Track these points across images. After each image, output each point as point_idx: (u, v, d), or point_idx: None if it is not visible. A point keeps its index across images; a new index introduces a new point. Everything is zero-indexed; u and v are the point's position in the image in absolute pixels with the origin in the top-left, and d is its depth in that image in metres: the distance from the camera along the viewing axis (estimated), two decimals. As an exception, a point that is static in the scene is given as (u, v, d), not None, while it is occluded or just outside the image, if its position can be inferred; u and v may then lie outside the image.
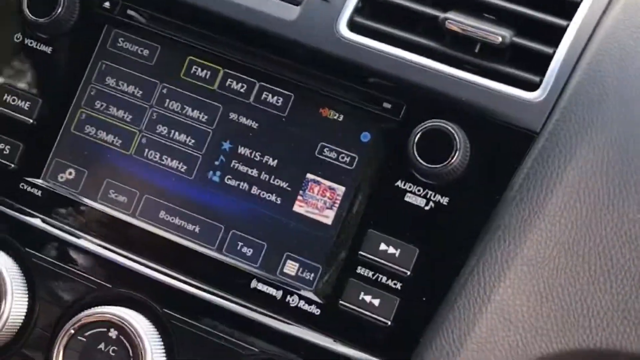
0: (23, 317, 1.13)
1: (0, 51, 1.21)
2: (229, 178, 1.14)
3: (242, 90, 1.16)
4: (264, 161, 1.14)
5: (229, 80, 1.16)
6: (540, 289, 1.06)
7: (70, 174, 1.18)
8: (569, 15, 1.14)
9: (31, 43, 1.21)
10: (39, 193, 1.17)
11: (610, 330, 1.05)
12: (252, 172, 1.13)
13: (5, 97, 1.20)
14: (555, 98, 1.11)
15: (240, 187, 1.13)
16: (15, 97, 1.20)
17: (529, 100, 1.11)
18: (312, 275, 1.09)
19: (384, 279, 1.08)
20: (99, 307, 1.09)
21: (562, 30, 1.14)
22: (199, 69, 1.17)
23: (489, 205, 1.08)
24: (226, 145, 1.15)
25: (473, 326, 1.05)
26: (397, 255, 1.08)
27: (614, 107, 1.10)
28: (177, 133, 1.16)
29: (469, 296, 1.05)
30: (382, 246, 1.08)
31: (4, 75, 1.20)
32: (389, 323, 1.07)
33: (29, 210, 1.17)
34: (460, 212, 1.09)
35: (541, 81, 1.12)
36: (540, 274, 1.06)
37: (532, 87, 1.12)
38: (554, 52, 1.13)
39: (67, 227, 1.15)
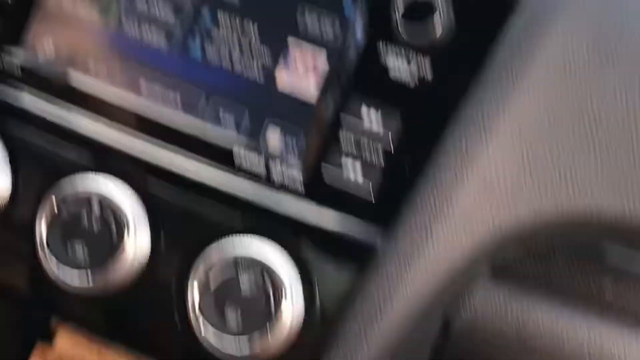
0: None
1: None
2: (209, 46, 1.12)
3: None
4: (244, 27, 1.12)
5: None
6: (524, 157, 1.06)
7: (48, 43, 1.15)
8: None
9: None
10: (18, 63, 1.15)
11: (595, 195, 1.06)
12: (232, 38, 1.11)
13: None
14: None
15: (221, 54, 1.12)
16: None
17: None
18: (295, 140, 1.09)
19: (366, 142, 1.08)
20: (80, 178, 1.09)
21: None
22: None
23: (472, 75, 1.07)
24: (205, 12, 1.13)
25: (455, 191, 1.05)
26: (379, 121, 1.08)
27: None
28: (155, 1, 1.13)
29: (451, 164, 1.06)
30: (364, 110, 1.08)
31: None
32: (371, 191, 1.07)
33: (6, 81, 1.15)
34: (443, 80, 1.08)
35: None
36: (523, 143, 1.06)
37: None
38: None
39: (44, 95, 1.14)
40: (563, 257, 1.16)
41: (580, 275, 1.16)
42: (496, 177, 1.06)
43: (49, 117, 1.14)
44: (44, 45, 1.17)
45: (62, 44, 1.16)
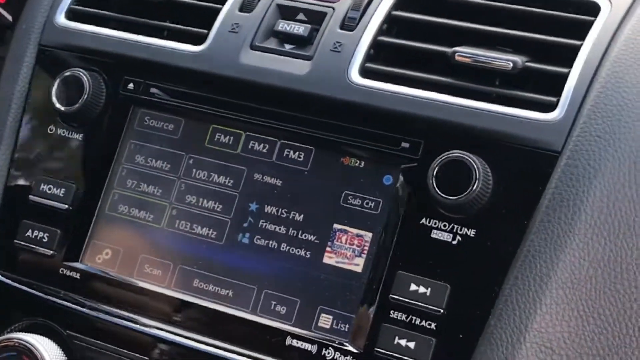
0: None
1: (36, 143, 1.19)
2: (258, 238, 1.08)
3: (264, 150, 1.10)
4: (290, 217, 1.08)
5: (252, 142, 1.11)
6: (580, 311, 0.96)
7: (107, 254, 1.14)
8: (581, 36, 1.04)
9: (63, 133, 1.17)
10: (78, 276, 1.13)
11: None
12: (280, 229, 1.07)
13: (42, 187, 1.17)
14: (574, 115, 1.01)
15: (270, 245, 1.07)
16: (51, 186, 1.16)
17: (547, 120, 1.01)
18: (347, 325, 1.03)
19: (418, 320, 1.00)
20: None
21: (576, 50, 1.03)
22: (222, 136, 1.12)
23: (517, 232, 0.99)
24: (253, 207, 1.09)
25: (513, 358, 0.96)
26: (428, 294, 1.00)
27: (635, 115, 1.00)
28: (205, 201, 1.11)
29: (505, 327, 0.97)
30: (413, 287, 1.01)
31: (40, 166, 1.18)
32: None
33: (70, 294, 1.13)
34: (488, 243, 1.00)
35: (558, 101, 1.02)
36: (578, 296, 0.97)
37: (550, 109, 1.02)
38: (569, 71, 1.03)
39: (106, 307, 1.11)
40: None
41: None
42: (555, 339, 0.97)
43: (107, 325, 1.11)
44: (102, 256, 1.15)
45: (118, 253, 1.14)
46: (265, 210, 1.07)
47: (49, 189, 1.15)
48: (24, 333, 1.08)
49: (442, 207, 1.00)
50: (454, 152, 0.99)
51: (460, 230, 1.00)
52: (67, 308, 1.11)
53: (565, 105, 1.01)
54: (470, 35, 1.07)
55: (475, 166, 0.98)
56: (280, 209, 1.07)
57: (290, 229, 1.06)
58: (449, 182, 0.99)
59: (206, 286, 1.08)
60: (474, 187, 0.98)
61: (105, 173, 1.14)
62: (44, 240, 1.13)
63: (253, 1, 1.12)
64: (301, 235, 1.05)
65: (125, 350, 1.08)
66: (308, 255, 1.05)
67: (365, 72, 1.08)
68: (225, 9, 1.13)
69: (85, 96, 1.14)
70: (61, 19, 1.20)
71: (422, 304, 1.00)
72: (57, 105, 1.14)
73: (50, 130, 1.18)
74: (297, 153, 1.08)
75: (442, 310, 0.99)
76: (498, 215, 0.99)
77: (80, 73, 1.13)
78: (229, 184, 1.09)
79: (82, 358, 1.09)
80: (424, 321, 0.99)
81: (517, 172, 1.00)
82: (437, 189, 0.99)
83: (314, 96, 1.08)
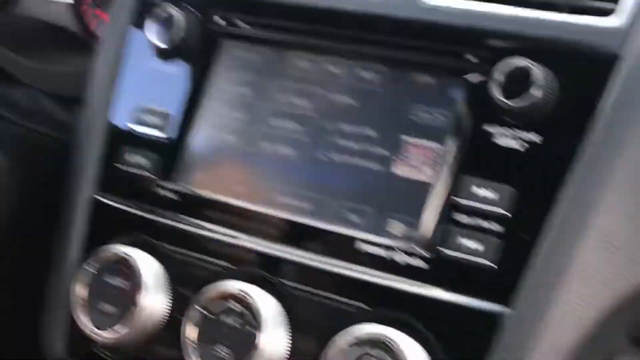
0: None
1: (139, 77, 1.29)
2: (334, 154, 1.15)
3: (338, 72, 1.17)
4: (363, 133, 1.14)
5: (325, 64, 1.18)
6: None
7: (195, 176, 1.23)
8: None
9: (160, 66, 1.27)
10: (173, 196, 1.23)
11: None
12: (354, 145, 1.14)
13: (142, 117, 1.28)
14: (634, 18, 1.03)
15: (345, 161, 1.14)
16: (151, 116, 1.27)
17: (606, 26, 1.04)
18: (415, 231, 1.08)
19: (485, 223, 1.04)
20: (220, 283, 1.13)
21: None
22: (299, 60, 1.20)
23: (580, 136, 1.02)
24: (328, 125, 1.16)
25: (570, 251, 1.00)
26: (494, 198, 1.05)
27: None
28: (284, 122, 1.19)
29: (565, 225, 1.00)
30: (480, 191, 1.06)
31: (144, 99, 1.28)
32: (494, 266, 1.03)
33: (163, 212, 1.23)
34: (552, 147, 1.03)
35: (618, 5, 1.04)
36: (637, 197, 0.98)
37: (611, 13, 1.05)
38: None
39: (195, 221, 1.21)
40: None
41: None
42: (615, 235, 1.00)
43: (197, 235, 1.20)
44: (191, 177, 1.24)
45: (206, 174, 1.23)
46: (340, 128, 1.14)
47: (150, 119, 1.27)
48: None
49: (505, 113, 1.04)
50: (514, 58, 1.03)
51: (525, 136, 1.03)
52: (160, 222, 1.22)
53: (626, 9, 1.03)
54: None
55: (535, 72, 1.01)
56: (353, 127, 1.13)
57: (363, 144, 1.13)
58: (512, 89, 1.03)
59: (286, 200, 1.16)
60: (537, 94, 1.01)
61: (197, 103, 1.24)
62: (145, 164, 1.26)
63: None
64: (373, 149, 1.12)
65: (209, 258, 1.18)
66: (380, 167, 1.11)
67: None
68: None
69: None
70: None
71: (489, 207, 1.03)
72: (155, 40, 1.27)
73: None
74: (369, 73, 1.15)
75: (507, 213, 1.02)
76: (561, 121, 1.03)
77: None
78: (307, 106, 1.17)
79: (173, 267, 1.20)
80: (490, 224, 1.03)
81: (579, 77, 1.03)
82: (501, 97, 1.02)
83: (385, 18, 1.15)
